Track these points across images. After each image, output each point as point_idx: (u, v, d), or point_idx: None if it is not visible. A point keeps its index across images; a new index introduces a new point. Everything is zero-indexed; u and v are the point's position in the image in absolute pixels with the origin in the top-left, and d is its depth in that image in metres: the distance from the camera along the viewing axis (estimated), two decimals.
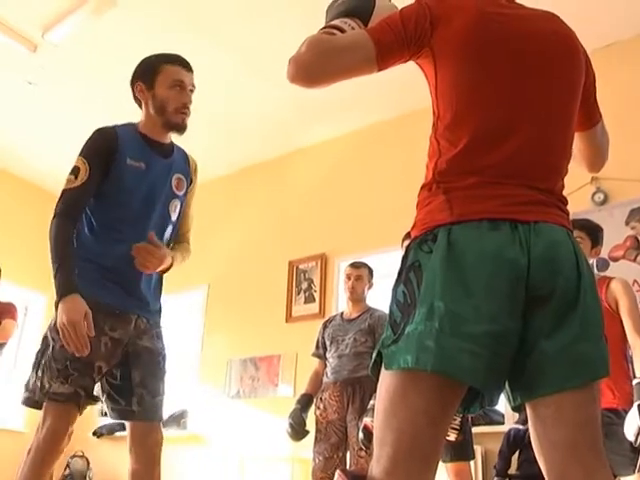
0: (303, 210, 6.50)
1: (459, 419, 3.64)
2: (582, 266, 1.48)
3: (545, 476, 1.45)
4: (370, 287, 4.61)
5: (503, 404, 4.34)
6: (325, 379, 4.36)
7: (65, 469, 6.82)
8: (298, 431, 4.21)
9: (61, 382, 2.59)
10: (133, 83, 2.85)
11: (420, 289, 1.43)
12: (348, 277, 4.56)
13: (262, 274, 6.57)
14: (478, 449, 4.34)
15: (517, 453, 4.21)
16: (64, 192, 2.72)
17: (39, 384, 2.64)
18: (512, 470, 4.24)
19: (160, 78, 2.78)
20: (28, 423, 7.11)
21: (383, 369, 1.45)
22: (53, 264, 2.55)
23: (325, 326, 4.61)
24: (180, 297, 6.40)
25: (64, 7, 5.10)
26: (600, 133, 1.83)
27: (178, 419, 6.38)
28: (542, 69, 1.59)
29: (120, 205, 2.75)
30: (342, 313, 4.63)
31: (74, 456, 6.85)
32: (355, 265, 4.62)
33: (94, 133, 2.79)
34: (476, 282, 1.40)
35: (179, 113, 2.80)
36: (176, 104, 2.78)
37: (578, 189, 4.36)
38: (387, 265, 4.82)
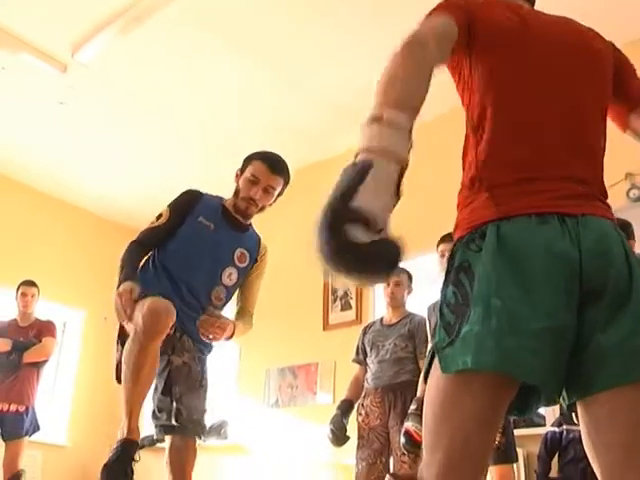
0: None
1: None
2: (631, 258, 1.45)
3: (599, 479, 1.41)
4: (409, 292, 4.58)
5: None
6: (366, 385, 4.35)
7: None
8: (339, 437, 4.20)
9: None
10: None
11: (473, 289, 1.39)
12: (387, 283, 4.54)
13: (297, 283, 6.58)
14: (520, 452, 4.28)
15: (556, 456, 4.18)
16: (145, 229, 3.13)
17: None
18: (553, 473, 4.20)
19: (247, 169, 3.17)
20: (70, 438, 7.21)
21: (436, 373, 1.42)
22: (119, 269, 2.93)
23: (365, 332, 4.59)
24: None
25: (92, 27, 5.17)
26: None
27: (218, 429, 6.37)
28: (571, 61, 1.59)
29: (180, 251, 3.10)
30: (382, 319, 4.61)
31: None
32: None
33: (183, 191, 3.23)
34: (531, 278, 1.37)
35: (244, 201, 3.16)
36: (244, 194, 3.16)
37: (613, 185, 4.26)
38: (422, 269, 4.81)
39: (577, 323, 1.39)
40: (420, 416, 3.34)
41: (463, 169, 1.59)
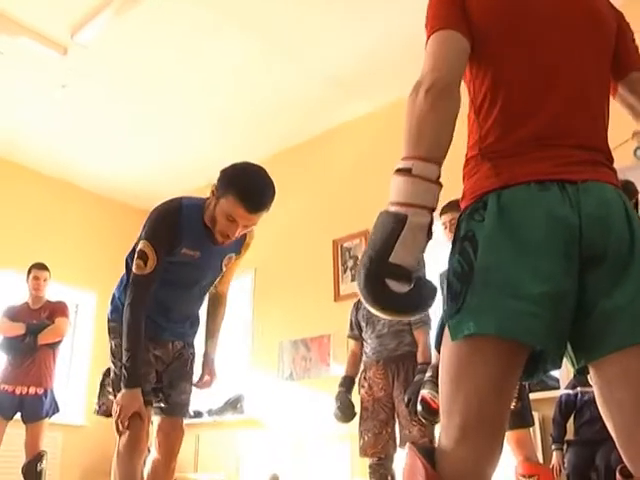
0: (343, 188, 6.48)
1: (517, 386, 3.62)
2: (634, 220, 1.45)
3: (614, 438, 1.43)
4: None
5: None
6: (365, 358, 4.35)
7: None
8: (347, 413, 4.22)
9: None
10: (218, 177, 2.91)
11: (477, 257, 1.43)
12: None
13: (307, 255, 6.59)
14: (535, 415, 4.30)
15: (572, 418, 4.19)
16: (135, 277, 2.90)
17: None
18: (569, 435, 4.22)
19: (223, 201, 2.83)
20: (89, 417, 7.26)
21: (447, 340, 1.46)
22: (125, 350, 2.80)
23: (357, 307, 4.55)
24: None
25: (90, 7, 5.13)
26: None
27: (234, 404, 6.46)
28: (569, 28, 1.58)
29: (166, 282, 2.97)
30: None
31: None
32: None
33: (159, 216, 2.94)
34: (531, 244, 1.39)
35: (221, 236, 2.93)
36: (220, 228, 2.89)
37: (619, 145, 4.27)
38: None
39: (578, 289, 1.41)
40: (435, 383, 3.35)
41: (468, 143, 1.60)
